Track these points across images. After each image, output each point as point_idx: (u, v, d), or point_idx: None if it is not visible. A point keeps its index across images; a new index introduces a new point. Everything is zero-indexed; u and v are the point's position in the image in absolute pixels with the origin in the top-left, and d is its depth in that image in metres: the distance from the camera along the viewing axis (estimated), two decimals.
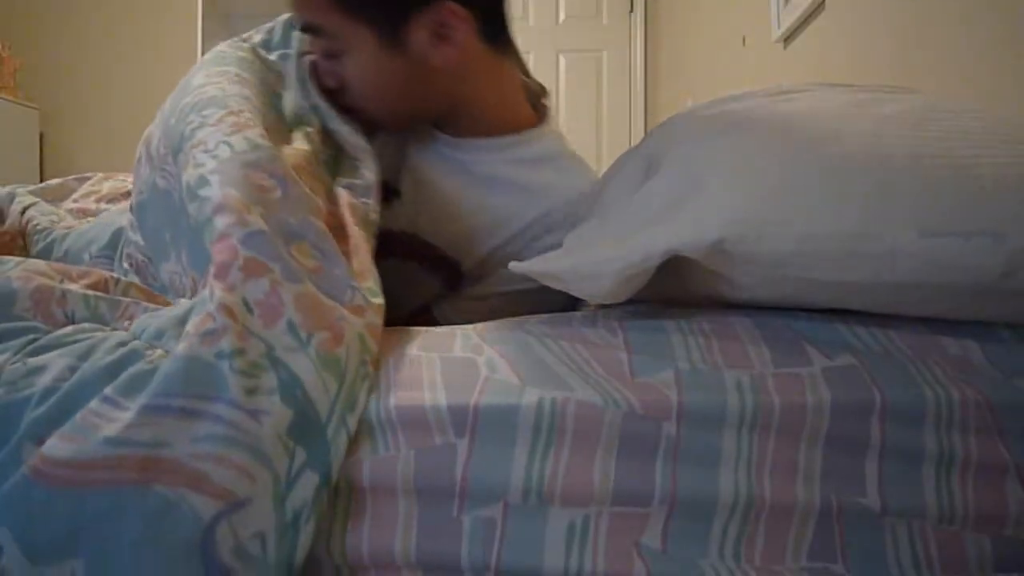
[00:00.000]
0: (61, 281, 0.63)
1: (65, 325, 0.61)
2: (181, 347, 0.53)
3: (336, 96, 0.83)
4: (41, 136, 4.13)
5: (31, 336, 0.58)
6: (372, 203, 0.75)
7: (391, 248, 0.86)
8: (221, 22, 4.23)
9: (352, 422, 0.54)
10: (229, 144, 0.66)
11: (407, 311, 0.87)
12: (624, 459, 0.54)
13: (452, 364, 0.58)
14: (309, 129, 0.79)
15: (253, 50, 0.87)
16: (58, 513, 0.47)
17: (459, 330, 0.64)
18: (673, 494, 0.53)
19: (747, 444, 0.54)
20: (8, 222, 0.81)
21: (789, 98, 0.68)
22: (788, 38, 1.99)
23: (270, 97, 0.81)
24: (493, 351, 0.59)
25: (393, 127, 0.89)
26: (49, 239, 0.96)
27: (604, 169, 0.87)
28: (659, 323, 0.63)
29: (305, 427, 0.52)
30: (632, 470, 0.53)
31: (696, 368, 0.57)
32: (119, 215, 0.93)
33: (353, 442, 0.54)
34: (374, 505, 0.53)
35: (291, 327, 0.56)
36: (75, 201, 1.02)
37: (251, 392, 0.52)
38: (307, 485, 0.51)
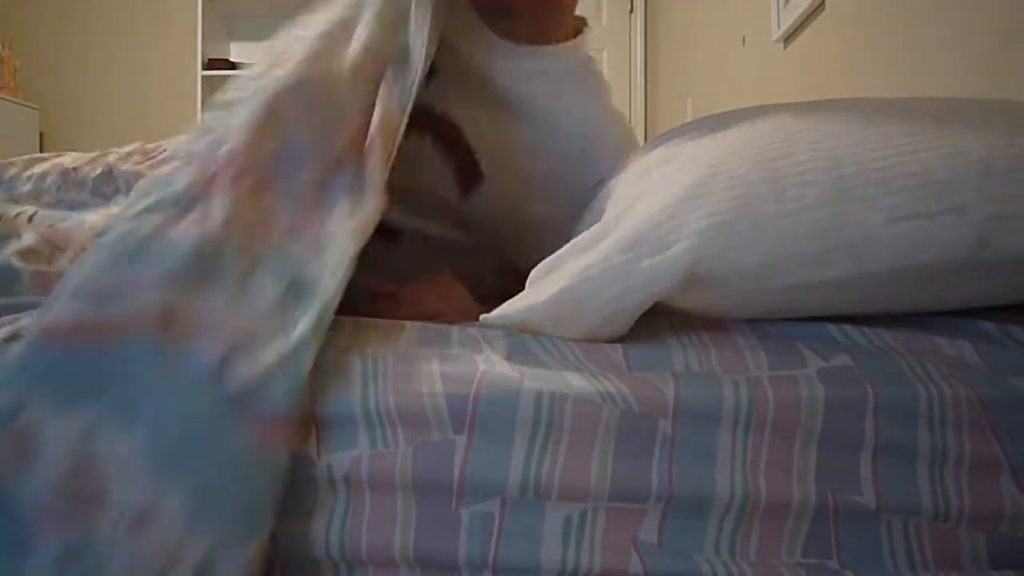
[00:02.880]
0: (51, 260, 0.68)
1: None
2: (183, 234, 0.58)
3: None
4: (41, 136, 4.13)
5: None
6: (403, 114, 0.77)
7: (419, 121, 0.87)
8: (221, 22, 4.22)
9: (341, 274, 0.60)
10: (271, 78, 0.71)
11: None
12: (621, 455, 0.54)
13: (450, 361, 0.58)
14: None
15: None
16: (79, 366, 0.51)
17: (456, 327, 0.64)
18: (669, 490, 0.54)
19: (742, 441, 0.55)
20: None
21: (736, 120, 0.69)
22: (788, 38, 1.99)
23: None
24: (491, 349, 0.60)
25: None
26: None
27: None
28: (655, 323, 0.64)
29: (298, 291, 0.59)
30: (629, 467, 0.54)
31: (692, 366, 0.57)
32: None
33: (351, 437, 0.54)
34: (372, 501, 0.53)
35: (281, 246, 0.62)
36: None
37: (247, 274, 0.59)
38: (304, 323, 0.56)
